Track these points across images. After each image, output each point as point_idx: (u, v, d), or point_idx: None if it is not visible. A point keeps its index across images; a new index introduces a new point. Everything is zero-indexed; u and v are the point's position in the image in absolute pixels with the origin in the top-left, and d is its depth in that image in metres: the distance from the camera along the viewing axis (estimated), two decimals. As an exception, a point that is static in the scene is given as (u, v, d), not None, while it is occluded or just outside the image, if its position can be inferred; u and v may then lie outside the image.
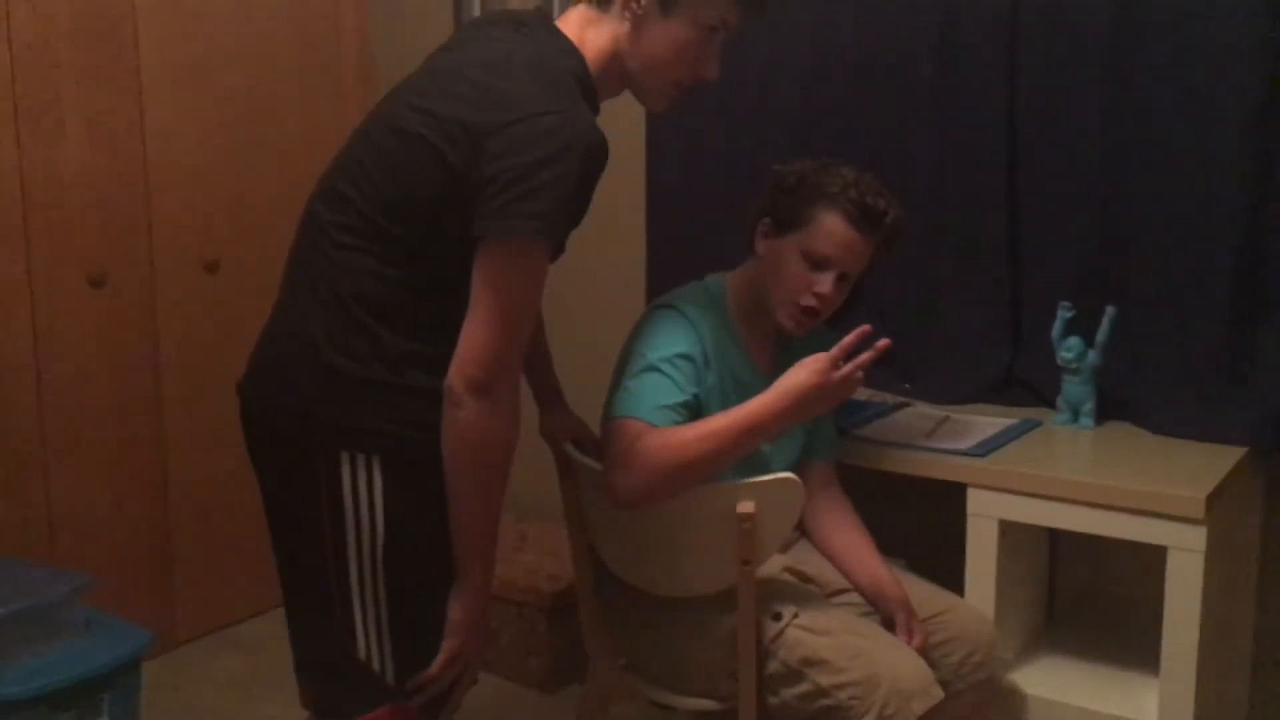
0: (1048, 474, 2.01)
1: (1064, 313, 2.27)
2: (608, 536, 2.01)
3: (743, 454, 1.80)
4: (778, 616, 1.86)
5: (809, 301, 1.90)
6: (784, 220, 1.92)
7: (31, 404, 2.70)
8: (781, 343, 2.01)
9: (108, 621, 2.43)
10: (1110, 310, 2.22)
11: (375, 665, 1.66)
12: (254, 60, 3.10)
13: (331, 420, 1.61)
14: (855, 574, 2.00)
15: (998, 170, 2.42)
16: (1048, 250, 2.41)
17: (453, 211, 1.54)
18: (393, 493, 1.61)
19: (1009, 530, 2.07)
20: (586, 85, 1.65)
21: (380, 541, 1.62)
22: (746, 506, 1.77)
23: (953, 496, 2.09)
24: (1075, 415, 2.28)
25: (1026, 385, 2.45)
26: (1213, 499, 1.88)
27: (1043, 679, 2.13)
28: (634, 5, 1.66)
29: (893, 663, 1.80)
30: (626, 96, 1.78)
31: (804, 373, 1.76)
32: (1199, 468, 2.01)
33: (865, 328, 1.77)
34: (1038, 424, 2.29)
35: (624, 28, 1.68)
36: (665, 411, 1.79)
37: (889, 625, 1.91)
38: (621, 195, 2.89)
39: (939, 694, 1.79)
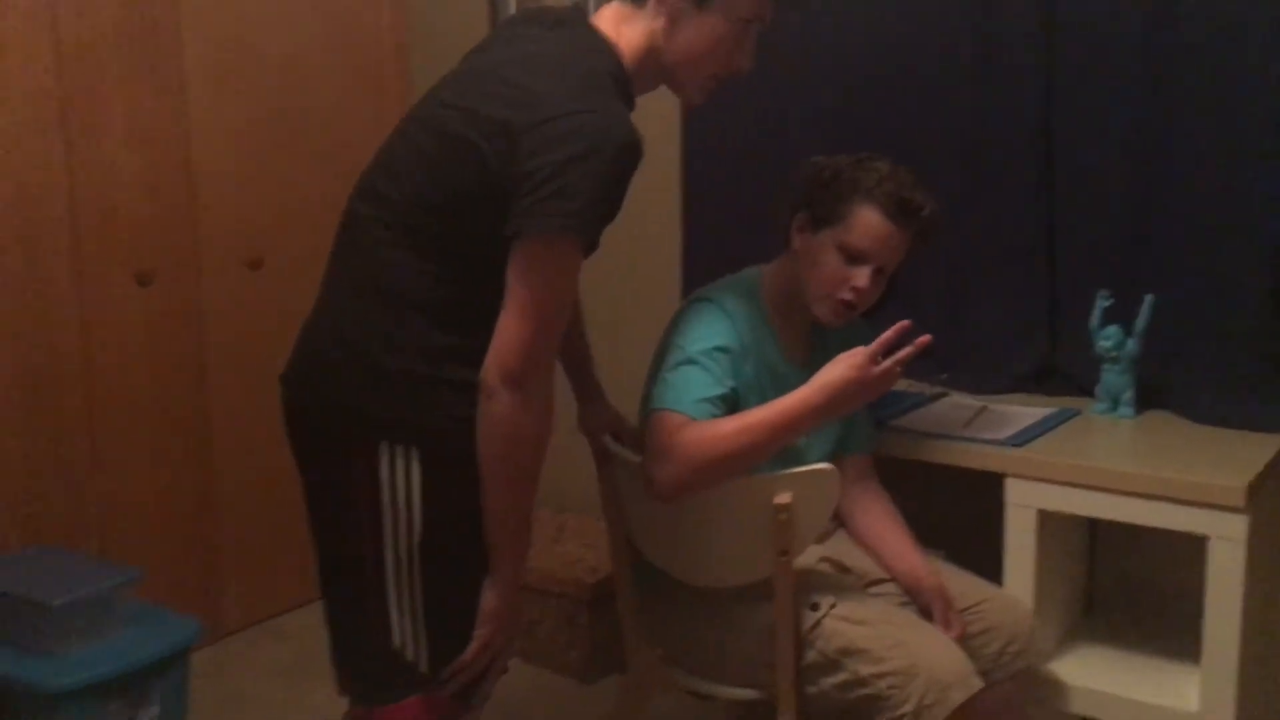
0: (1087, 463, 2.01)
1: (1102, 301, 2.26)
2: (646, 528, 2.02)
3: (780, 447, 1.80)
4: (815, 607, 1.87)
5: (846, 296, 1.90)
6: (820, 215, 1.92)
7: (81, 399, 2.76)
8: (817, 335, 2.01)
9: (157, 612, 2.48)
10: (1149, 298, 2.21)
11: (409, 654, 1.68)
12: (294, 60, 3.14)
13: (371, 413, 1.64)
14: (892, 565, 2.00)
15: (1034, 158, 2.40)
16: (1085, 238, 2.39)
17: (489, 208, 1.56)
18: (430, 485, 1.64)
19: (1048, 520, 2.07)
20: (622, 82, 1.66)
21: (417, 532, 1.64)
22: (783, 497, 1.78)
23: (991, 487, 2.08)
24: (1114, 404, 2.27)
25: (1064, 374, 2.44)
26: (1254, 487, 1.87)
27: (1082, 668, 2.13)
28: (669, 0, 1.67)
29: (931, 652, 1.80)
30: (662, 89, 1.79)
31: (842, 367, 1.76)
32: (1239, 456, 1.99)
33: (905, 323, 1.77)
34: (1076, 413, 2.28)
35: (659, 23, 1.69)
36: (704, 404, 1.80)
37: (926, 616, 1.92)
38: (657, 189, 2.91)
39: (978, 683, 1.79)
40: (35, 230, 2.64)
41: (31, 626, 2.26)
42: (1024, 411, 2.29)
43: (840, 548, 2.08)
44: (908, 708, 1.76)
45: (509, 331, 1.56)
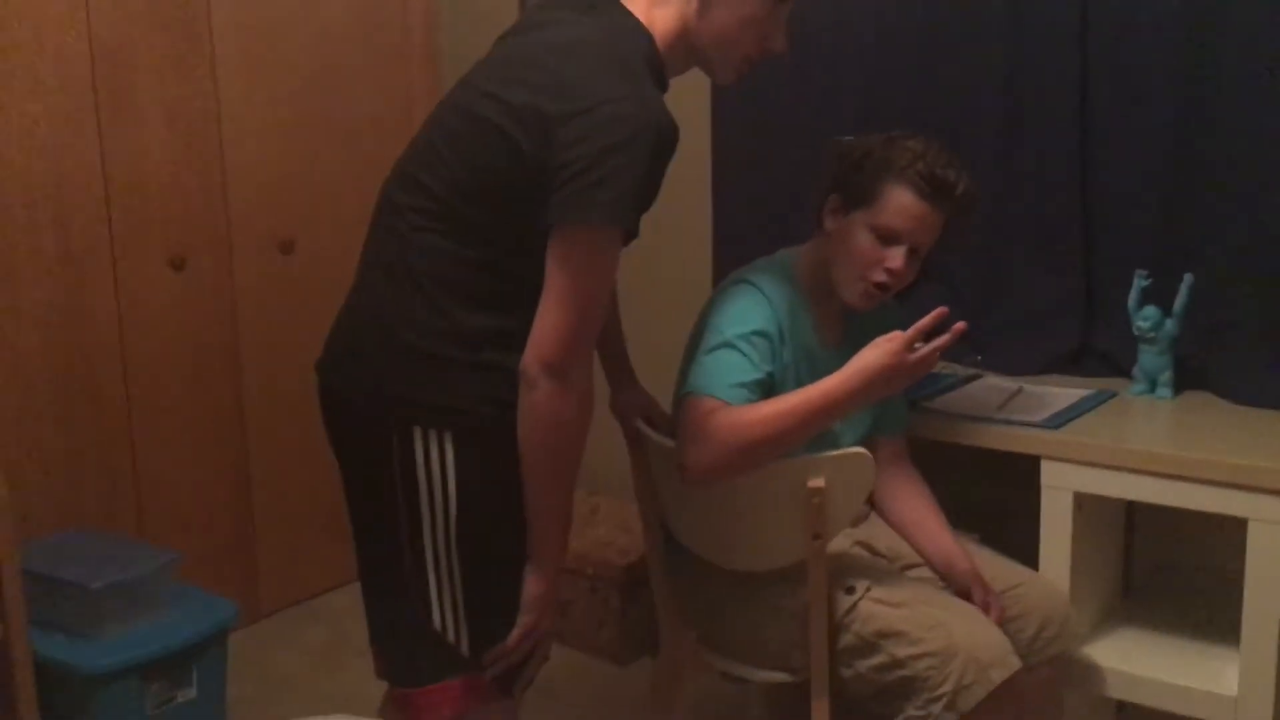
0: (1124, 445, 1.99)
1: (1140, 281, 2.23)
2: (679, 511, 2.02)
3: (815, 432, 1.80)
4: (850, 590, 1.87)
5: (880, 277, 1.88)
6: (852, 197, 1.90)
7: (118, 383, 2.78)
8: (850, 317, 2.00)
9: (195, 594, 2.51)
10: (1188, 278, 2.18)
11: (450, 637, 1.69)
12: (324, 46, 3.15)
13: (407, 397, 1.65)
14: (926, 549, 1.99)
15: (1070, 137, 2.37)
16: (1121, 217, 2.36)
17: (526, 195, 1.56)
18: (465, 468, 1.64)
19: (1084, 503, 2.05)
20: (655, 65, 1.66)
21: (454, 516, 1.65)
22: (817, 481, 1.77)
23: (1026, 469, 2.07)
24: (1152, 385, 2.24)
25: (1101, 355, 2.41)
26: (1295, 470, 1.85)
27: (1120, 652, 2.12)
28: (700, -17, 1.66)
29: (970, 632, 1.79)
30: (691, 69, 1.78)
31: (878, 353, 1.75)
32: (1280, 438, 1.97)
33: (942, 309, 1.75)
34: (1113, 395, 2.26)
35: (691, 6, 1.68)
36: (739, 389, 1.79)
37: (962, 599, 1.91)
38: (686, 169, 2.87)
39: (1017, 663, 1.78)
40: (71, 216, 2.67)
41: (71, 609, 2.30)
42: (1060, 393, 2.27)
43: (873, 531, 2.07)
44: (946, 688, 1.75)
45: (549, 321, 1.56)
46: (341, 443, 1.78)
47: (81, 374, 2.72)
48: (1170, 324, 2.20)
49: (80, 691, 2.25)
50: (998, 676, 1.75)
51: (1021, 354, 2.46)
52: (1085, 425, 2.10)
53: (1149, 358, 2.23)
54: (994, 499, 2.21)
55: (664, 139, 1.54)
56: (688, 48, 1.71)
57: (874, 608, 1.85)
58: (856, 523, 2.06)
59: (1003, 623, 1.88)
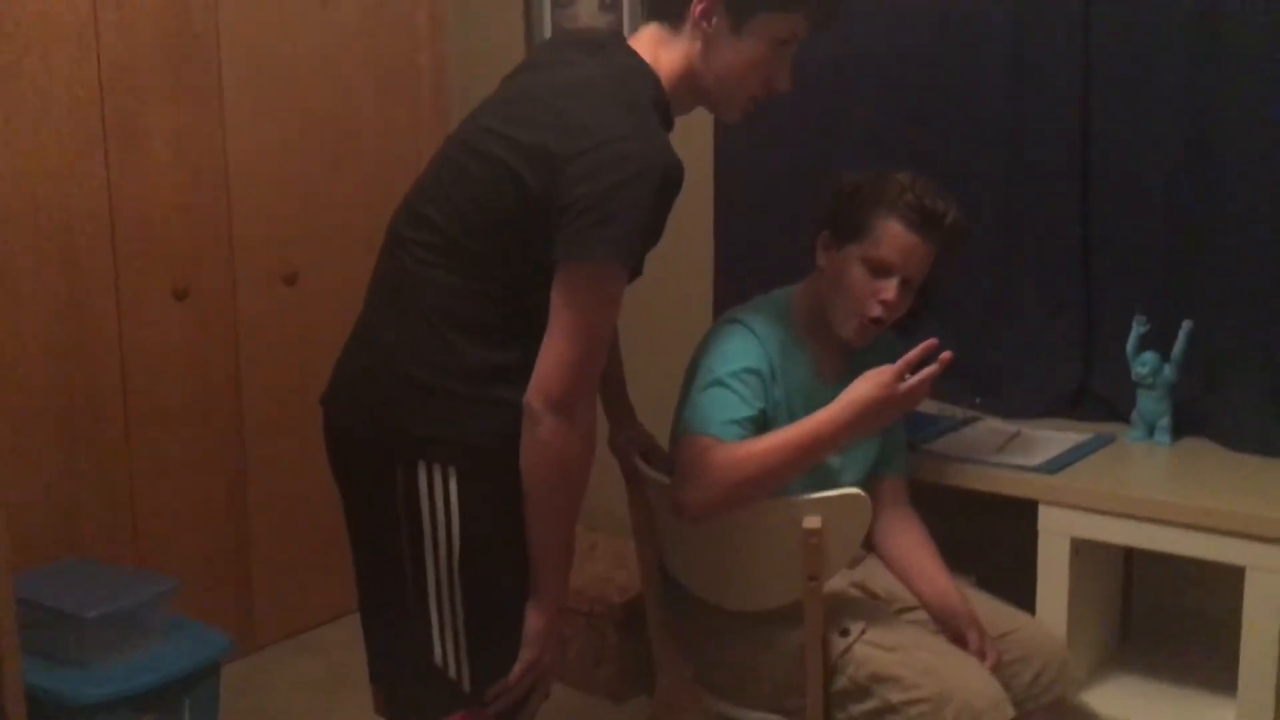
0: (1122, 491, 1.99)
1: (1139, 327, 2.24)
2: (676, 549, 2.02)
3: (808, 466, 1.80)
4: (846, 632, 1.86)
5: (875, 311, 1.90)
6: (843, 231, 1.92)
7: (118, 412, 2.78)
8: (849, 354, 2.00)
9: (189, 625, 2.49)
10: (1186, 324, 2.18)
11: (452, 672, 1.68)
12: (332, 79, 3.17)
13: (412, 431, 1.65)
14: (923, 591, 1.98)
15: (1070, 181, 2.39)
16: (1121, 262, 2.37)
17: (532, 232, 1.58)
18: (469, 503, 1.64)
19: (1082, 548, 2.04)
20: (661, 105, 1.67)
21: (457, 551, 1.65)
22: (813, 522, 1.77)
23: (1024, 513, 2.07)
24: (1150, 431, 2.24)
25: (1100, 400, 2.41)
26: (1293, 518, 1.85)
27: (1116, 699, 2.11)
28: (705, 25, 1.68)
29: (963, 679, 1.78)
30: (696, 108, 1.79)
31: (868, 385, 1.77)
32: (1278, 485, 1.96)
33: (931, 341, 1.77)
34: (1111, 439, 2.26)
35: (696, 47, 1.70)
36: (732, 426, 1.80)
37: (957, 643, 1.90)
38: (689, 206, 2.89)
39: (1010, 711, 1.77)
40: (76, 242, 2.68)
41: (64, 638, 2.28)
42: (1058, 437, 2.27)
43: (871, 573, 2.06)
44: (939, 735, 1.75)
45: (553, 357, 1.57)
46: (346, 476, 1.78)
47: (83, 401, 2.72)
48: (1169, 370, 2.20)
49: (71, 721, 2.23)
50: (992, 724, 1.74)
51: (1021, 397, 2.47)
52: (1083, 470, 2.10)
53: (1147, 403, 2.23)
54: (991, 542, 2.20)
55: (669, 178, 1.56)
56: (693, 88, 1.73)
57: (868, 651, 1.84)
58: (854, 564, 2.05)
59: (999, 667, 1.87)
